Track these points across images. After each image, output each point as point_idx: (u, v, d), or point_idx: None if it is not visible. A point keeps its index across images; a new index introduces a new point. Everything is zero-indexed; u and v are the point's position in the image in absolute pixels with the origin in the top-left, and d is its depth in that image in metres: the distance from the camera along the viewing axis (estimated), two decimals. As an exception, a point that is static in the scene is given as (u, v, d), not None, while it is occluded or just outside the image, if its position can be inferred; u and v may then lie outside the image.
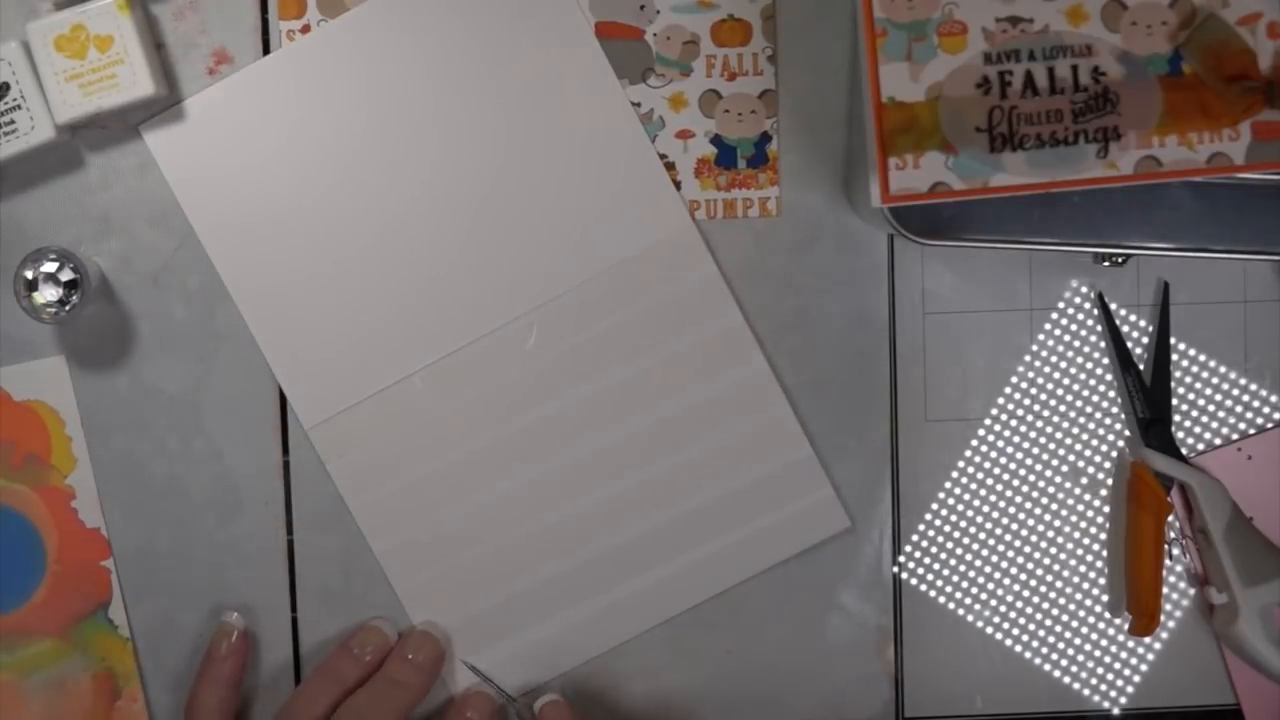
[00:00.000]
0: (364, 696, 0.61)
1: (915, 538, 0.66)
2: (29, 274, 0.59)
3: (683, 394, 0.64)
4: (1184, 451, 0.65)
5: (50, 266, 0.59)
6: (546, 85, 0.63)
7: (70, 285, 0.59)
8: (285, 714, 0.60)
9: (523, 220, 0.63)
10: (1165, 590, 0.65)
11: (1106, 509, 0.66)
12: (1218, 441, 0.65)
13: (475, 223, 0.63)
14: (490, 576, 0.64)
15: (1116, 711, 0.66)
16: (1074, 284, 0.65)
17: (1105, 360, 0.65)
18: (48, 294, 0.59)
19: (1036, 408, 0.65)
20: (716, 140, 0.64)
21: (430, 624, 0.64)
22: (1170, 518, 0.64)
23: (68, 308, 0.59)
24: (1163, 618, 0.65)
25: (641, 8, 0.63)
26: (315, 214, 0.63)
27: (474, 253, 0.63)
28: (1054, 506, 0.66)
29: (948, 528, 0.66)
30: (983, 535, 0.66)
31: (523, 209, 0.63)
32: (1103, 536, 0.66)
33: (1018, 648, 0.66)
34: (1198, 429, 0.65)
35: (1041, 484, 0.65)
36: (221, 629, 0.63)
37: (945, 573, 0.66)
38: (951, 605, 0.66)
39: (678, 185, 0.64)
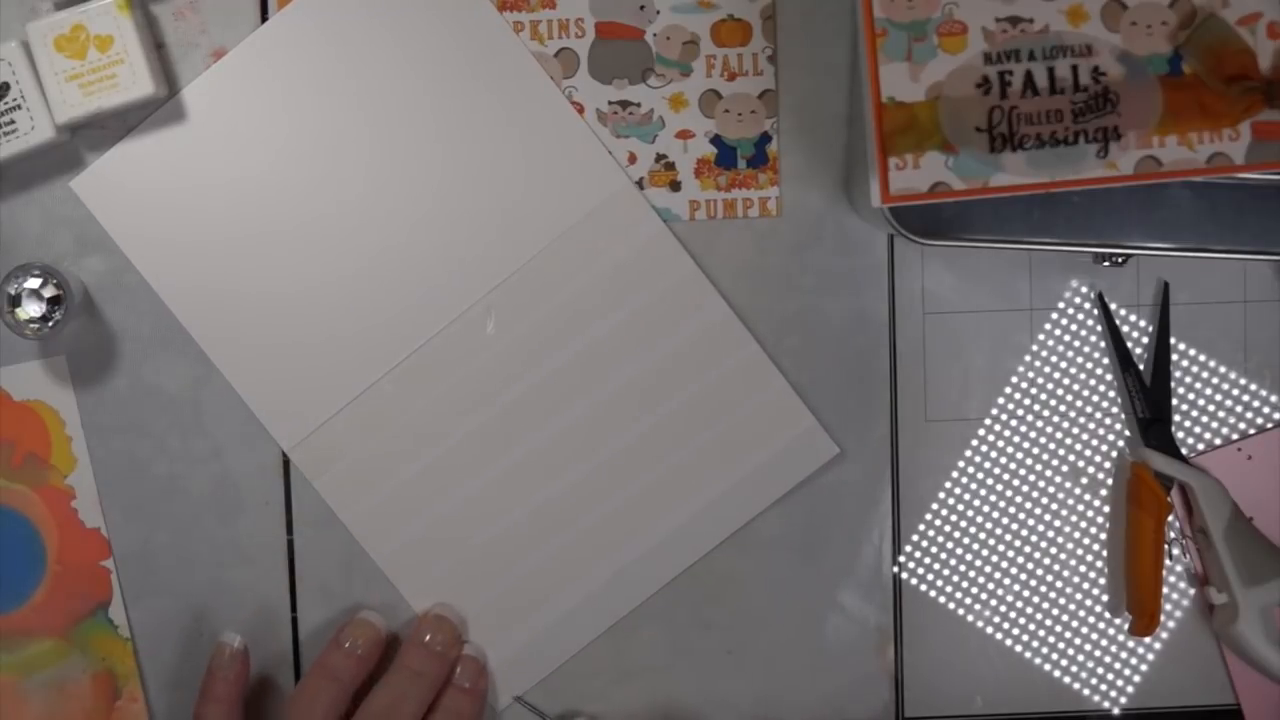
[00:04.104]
0: (384, 696, 0.61)
1: (915, 538, 0.66)
2: (12, 290, 0.59)
3: (648, 351, 0.64)
4: (1184, 451, 0.65)
5: (34, 283, 0.59)
6: (459, 69, 0.62)
7: (54, 301, 0.59)
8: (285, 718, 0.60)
9: (462, 208, 0.63)
10: (1165, 590, 0.65)
11: (1106, 509, 0.66)
12: (1218, 441, 0.65)
13: (417, 219, 0.63)
14: (494, 565, 0.64)
15: (1116, 711, 0.66)
16: (1074, 284, 0.65)
17: (1105, 360, 0.65)
18: (30, 310, 0.59)
19: (1036, 408, 0.65)
20: (716, 140, 0.64)
21: (443, 606, 0.64)
22: (1170, 518, 0.64)
23: (50, 324, 0.59)
24: (1163, 618, 0.65)
25: (641, 8, 0.63)
26: (255, 240, 0.63)
27: (420, 249, 0.63)
28: (1054, 506, 0.66)
29: (948, 528, 0.66)
30: (983, 535, 0.66)
31: (460, 197, 0.63)
32: (1103, 536, 0.66)
33: (1018, 648, 0.66)
34: (1198, 429, 0.65)
35: (1041, 484, 0.65)
36: (219, 648, 0.62)
37: (945, 573, 0.66)
38: (951, 605, 0.66)
39: (678, 185, 0.64)
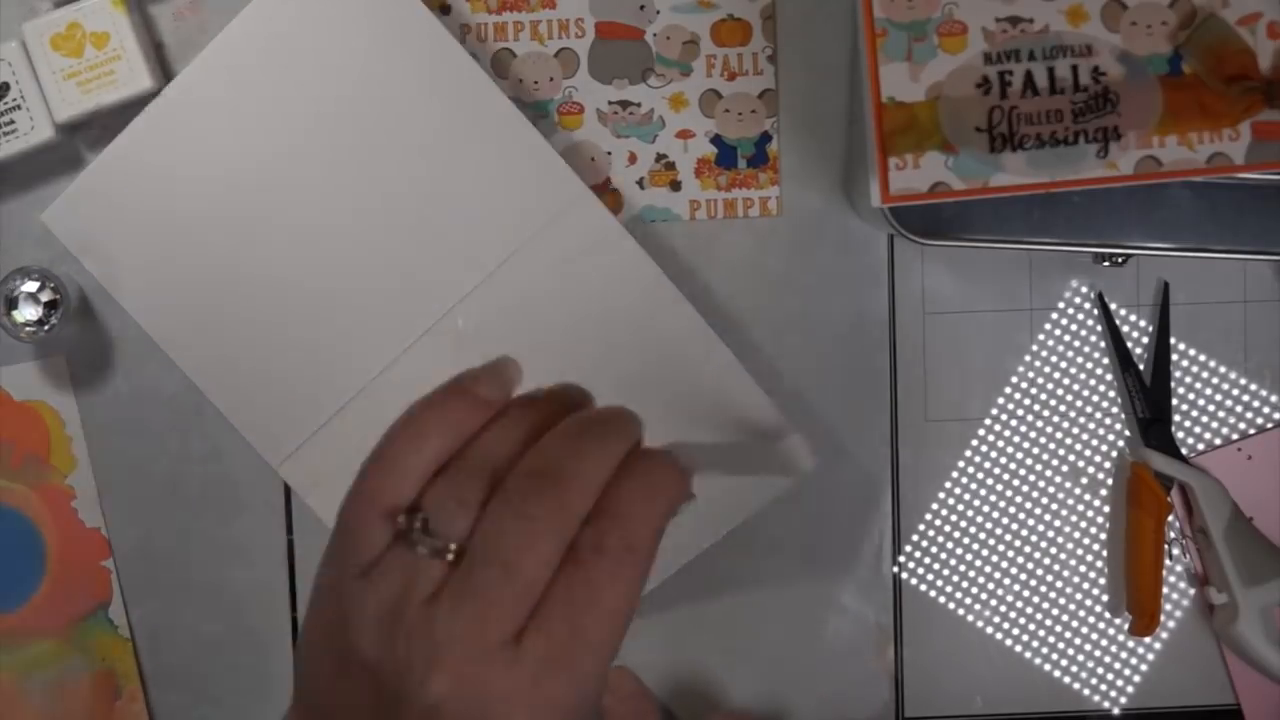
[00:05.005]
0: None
1: (915, 538, 0.65)
2: (8, 293, 0.59)
3: (621, 361, 0.62)
4: (1184, 451, 0.65)
5: (31, 286, 0.59)
6: (407, 84, 0.61)
7: (50, 305, 0.59)
8: (375, 468, 0.42)
9: (426, 221, 0.62)
10: (1165, 590, 0.65)
11: (1106, 509, 0.66)
12: (1218, 441, 0.65)
13: (382, 233, 0.62)
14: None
15: (1116, 711, 0.66)
16: (1074, 284, 0.65)
17: (1105, 360, 0.65)
18: (27, 313, 0.59)
19: (1036, 408, 0.65)
20: (717, 140, 0.64)
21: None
22: (1170, 518, 0.64)
23: (46, 328, 0.59)
24: (1163, 618, 0.65)
25: (641, 8, 0.63)
26: (228, 260, 0.62)
27: (388, 263, 0.62)
28: (1054, 506, 0.66)
29: (948, 528, 0.65)
30: (983, 535, 0.65)
31: (423, 210, 0.62)
32: (1103, 536, 0.66)
33: (1018, 648, 0.66)
34: (1198, 429, 0.65)
35: (1041, 484, 0.65)
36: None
37: (945, 573, 0.66)
38: (951, 605, 0.66)
39: (678, 185, 0.64)
